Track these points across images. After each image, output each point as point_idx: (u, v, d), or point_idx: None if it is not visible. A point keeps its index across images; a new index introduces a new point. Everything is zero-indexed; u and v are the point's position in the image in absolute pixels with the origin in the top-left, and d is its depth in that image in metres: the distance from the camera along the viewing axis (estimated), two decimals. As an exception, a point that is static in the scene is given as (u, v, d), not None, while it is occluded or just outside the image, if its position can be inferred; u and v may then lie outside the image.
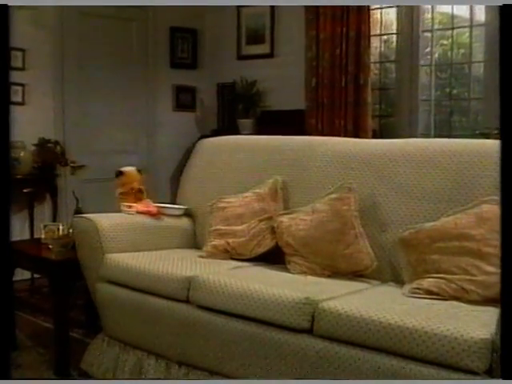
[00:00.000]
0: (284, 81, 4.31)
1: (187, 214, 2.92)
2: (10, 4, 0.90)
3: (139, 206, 2.73)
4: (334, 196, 2.33)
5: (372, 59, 3.97)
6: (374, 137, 3.92)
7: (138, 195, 2.80)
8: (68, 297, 2.65)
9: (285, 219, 2.43)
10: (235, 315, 2.02)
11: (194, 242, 2.86)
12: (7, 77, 0.94)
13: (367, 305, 1.79)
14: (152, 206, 2.77)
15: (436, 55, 3.90)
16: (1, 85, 0.92)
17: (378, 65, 4.15)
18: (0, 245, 0.89)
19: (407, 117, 3.94)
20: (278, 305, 1.90)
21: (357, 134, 3.86)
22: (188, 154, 4.22)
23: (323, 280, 2.18)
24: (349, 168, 2.45)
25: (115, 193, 2.83)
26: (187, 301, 2.19)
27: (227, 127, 4.50)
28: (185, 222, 2.88)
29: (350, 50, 3.89)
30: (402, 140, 2.50)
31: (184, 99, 4.69)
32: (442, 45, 3.89)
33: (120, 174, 2.82)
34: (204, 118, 4.78)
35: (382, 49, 4.13)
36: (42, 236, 2.92)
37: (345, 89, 3.93)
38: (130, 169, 2.86)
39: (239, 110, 4.44)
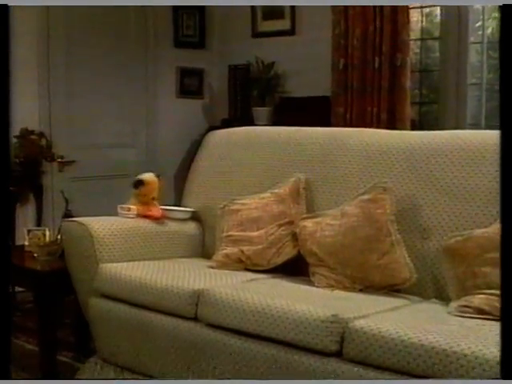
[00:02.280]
0: (307, 62, 4.33)
1: (194, 217, 2.96)
2: (10, 4, 1.02)
3: (140, 209, 2.78)
4: (366, 197, 2.35)
5: (411, 36, 3.98)
6: (414, 128, 3.92)
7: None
8: (55, 314, 2.70)
9: (308, 224, 2.46)
10: (251, 335, 2.05)
11: (202, 251, 2.91)
12: (7, 77, 1.04)
13: (406, 325, 1.81)
14: (157, 209, 2.81)
15: (488, 31, 3.88)
16: (1, 85, 1.04)
17: (418, 42, 4.15)
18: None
19: (453, 104, 3.94)
20: (301, 324, 1.93)
21: (393, 124, 3.87)
22: (195, 148, 4.25)
23: (353, 295, 2.20)
24: (383, 165, 2.48)
25: (129, 203, 2.82)
26: (195, 318, 2.22)
27: (240, 117, 4.53)
28: (192, 227, 2.92)
29: (385, 26, 3.90)
30: (446, 132, 2.51)
31: (190, 84, 4.72)
32: (495, 18, 3.87)
33: (140, 183, 2.83)
34: (213, 106, 4.82)
35: (424, 23, 4.14)
36: (26, 243, 2.98)
37: (378, 71, 3.94)
38: (150, 176, 2.88)
39: (254, 96, 4.46)
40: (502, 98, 1.00)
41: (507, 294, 1.01)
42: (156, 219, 2.80)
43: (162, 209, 2.87)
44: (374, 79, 3.95)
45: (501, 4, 1.00)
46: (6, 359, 1.02)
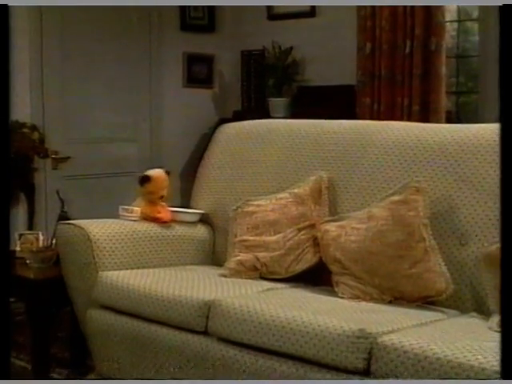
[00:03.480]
0: (329, 47, 4.35)
1: (204, 220, 2.99)
2: (10, 4, 1.11)
3: (147, 210, 2.80)
4: (396, 198, 2.36)
5: (447, 17, 3.98)
6: (450, 120, 3.92)
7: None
8: (49, 327, 2.74)
9: (331, 228, 2.47)
10: (267, 351, 2.08)
11: (212, 257, 2.94)
12: (7, 77, 1.11)
13: (441, 341, 1.82)
14: (165, 211, 2.84)
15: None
16: (1, 86, 1.10)
17: (455, 24, 4.15)
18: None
19: (494, 93, 3.93)
20: (324, 338, 1.95)
21: (426, 116, 3.87)
22: (204, 143, 4.28)
23: (382, 307, 2.22)
24: (416, 162, 2.49)
25: (135, 205, 2.85)
26: (205, 332, 2.25)
27: (254, 108, 4.56)
28: (201, 230, 2.95)
29: (418, 6, 3.90)
30: (486, 125, 2.51)
31: (198, 72, 4.74)
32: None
33: (146, 179, 2.85)
34: (224, 97, 4.84)
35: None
36: (17, 248, 3.01)
37: (410, 57, 3.94)
38: (158, 172, 2.90)
39: (270, 85, 4.49)
40: (502, 100, 1.08)
41: (507, 294, 1.07)
42: (164, 223, 2.83)
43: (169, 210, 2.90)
44: (405, 66, 3.96)
45: (501, 4, 1.07)
46: (6, 359, 1.10)
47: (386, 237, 2.31)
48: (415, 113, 3.90)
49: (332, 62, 4.31)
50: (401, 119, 3.77)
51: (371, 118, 3.88)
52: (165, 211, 2.86)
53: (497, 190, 2.28)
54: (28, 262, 2.83)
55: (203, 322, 2.25)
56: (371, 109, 4.05)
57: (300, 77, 4.46)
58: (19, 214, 4.12)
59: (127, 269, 2.63)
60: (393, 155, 2.56)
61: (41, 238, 3.00)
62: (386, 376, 1.86)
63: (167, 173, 2.94)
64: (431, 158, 2.46)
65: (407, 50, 3.95)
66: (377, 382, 1.86)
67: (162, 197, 2.87)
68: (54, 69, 4.19)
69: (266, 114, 4.26)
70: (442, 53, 3.88)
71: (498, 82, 1.07)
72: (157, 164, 4.43)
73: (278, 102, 4.41)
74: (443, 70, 3.90)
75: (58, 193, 3.15)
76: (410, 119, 3.79)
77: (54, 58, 4.18)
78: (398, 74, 3.98)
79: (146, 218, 2.81)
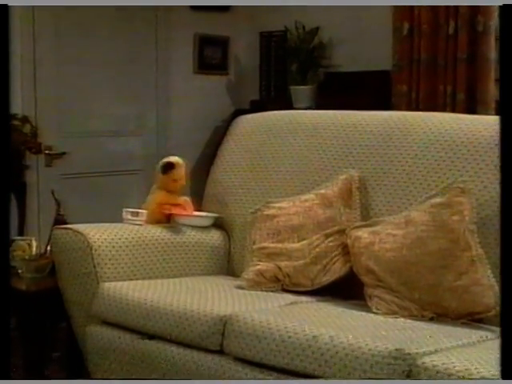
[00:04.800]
0: (360, 28, 4.34)
1: (218, 224, 3.01)
2: (10, 4, 1.23)
3: (165, 199, 2.85)
4: (438, 200, 2.37)
5: (496, -6, 3.97)
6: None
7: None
8: (44, 345, 2.77)
9: (364, 234, 2.49)
10: (290, 372, 2.09)
11: (228, 267, 2.96)
12: (7, 77, 1.20)
13: (490, 363, 1.83)
14: (189, 205, 2.92)
15: None
16: (1, 87, 1.19)
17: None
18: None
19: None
20: (356, 360, 1.96)
21: (472, 106, 3.86)
22: (217, 137, 4.28)
23: (422, 325, 2.23)
24: (461, 159, 2.49)
25: (151, 195, 2.93)
26: (220, 351, 2.27)
27: (275, 98, 4.57)
28: (215, 236, 2.97)
29: (463, -19, 3.90)
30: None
31: (211, 56, 4.76)
32: None
33: (171, 166, 2.92)
34: (240, 85, 4.86)
35: (513, -23, 4.12)
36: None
37: (454, 38, 3.93)
38: (178, 159, 2.99)
39: (293, 71, 4.49)
40: (502, 101, 1.19)
41: (507, 294, 1.15)
42: (185, 216, 2.89)
43: (176, 214, 2.93)
44: (448, 49, 3.95)
45: (501, 4, 1.18)
46: (6, 359, 1.21)
47: (427, 245, 2.32)
48: (460, 102, 3.89)
49: (364, 45, 4.31)
50: (443, 110, 3.76)
51: (409, 109, 3.88)
52: (186, 202, 2.93)
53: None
54: (20, 271, 2.86)
55: (218, 339, 2.27)
56: (409, 98, 4.05)
57: (327, 61, 4.47)
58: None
59: (132, 279, 2.66)
60: (434, 151, 2.57)
61: (34, 244, 3.03)
62: (426, 402, 1.87)
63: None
64: (478, 155, 2.46)
65: (450, 31, 3.94)
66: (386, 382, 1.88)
67: (182, 185, 2.94)
68: (48, 53, 4.17)
69: (288, 105, 4.27)
70: (490, 34, 3.87)
71: (499, 81, 1.16)
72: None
73: (301, 91, 4.42)
74: (492, 53, 3.88)
75: (53, 193, 3.17)
76: (453, 110, 3.78)
77: (47, 41, 4.16)
78: (439, 57, 3.98)
79: (164, 208, 2.86)
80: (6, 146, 1.18)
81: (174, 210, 2.90)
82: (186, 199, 2.96)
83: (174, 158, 2.97)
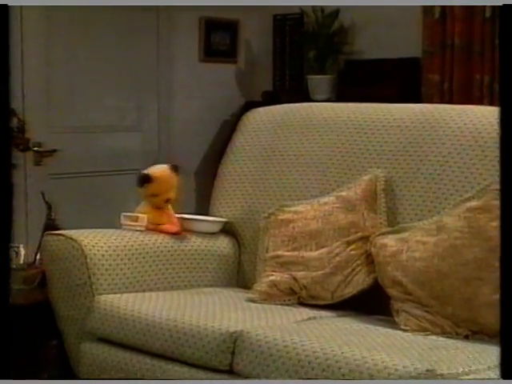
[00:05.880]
0: (386, 10, 4.34)
1: (227, 230, 3.01)
2: (10, 4, 1.30)
3: (150, 217, 2.84)
4: (474, 204, 2.37)
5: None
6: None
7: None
8: (33, 364, 2.78)
9: (390, 241, 2.48)
10: (309, 397, 2.10)
11: (238, 277, 2.96)
12: (7, 77, 1.26)
13: (532, 386, 1.83)
14: (172, 219, 2.88)
15: None
16: (1, 88, 1.25)
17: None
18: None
19: None
20: (383, 382, 1.96)
21: (512, 98, 3.85)
22: (226, 132, 4.29)
23: (456, 343, 2.22)
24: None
25: (139, 210, 2.90)
26: (230, 371, 2.27)
27: (290, 89, 4.56)
28: (223, 243, 2.97)
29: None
30: None
31: (218, 42, 4.74)
32: None
33: (146, 179, 2.89)
34: (252, 74, 4.85)
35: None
36: (-8, 265, 3.06)
37: (491, 22, 3.92)
38: (160, 169, 2.94)
39: (310, 59, 4.49)
40: (502, 102, 1.24)
41: (507, 293, 1.20)
42: (172, 234, 2.86)
43: (180, 218, 2.94)
44: (485, 33, 3.94)
45: (501, 4, 1.23)
46: (6, 359, 1.26)
47: (461, 254, 2.32)
48: (498, 94, 3.89)
49: (390, 29, 4.30)
50: (479, 102, 3.75)
51: (441, 101, 3.87)
52: (171, 219, 2.89)
53: None
54: (6, 282, 2.88)
55: (227, 358, 2.27)
56: (441, 88, 4.04)
57: (348, 48, 4.46)
58: (-7, 221, 4.16)
59: (131, 292, 2.66)
60: (469, 149, 2.57)
61: (22, 252, 3.04)
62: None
63: (174, 169, 2.95)
64: (520, 153, 2.46)
65: (488, 14, 3.93)
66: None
67: (167, 200, 2.89)
68: (37, 38, 4.15)
69: (305, 96, 4.27)
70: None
71: (499, 81, 1.21)
72: (166, 159, 4.42)
73: (319, 81, 4.41)
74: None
75: (43, 195, 3.18)
76: (491, 102, 3.77)
77: (35, 26, 4.14)
78: (475, 43, 3.96)
79: (150, 227, 2.85)
80: (6, 146, 1.22)
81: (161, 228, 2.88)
82: (168, 209, 2.91)
83: (154, 169, 2.93)
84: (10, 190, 4.01)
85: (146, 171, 2.93)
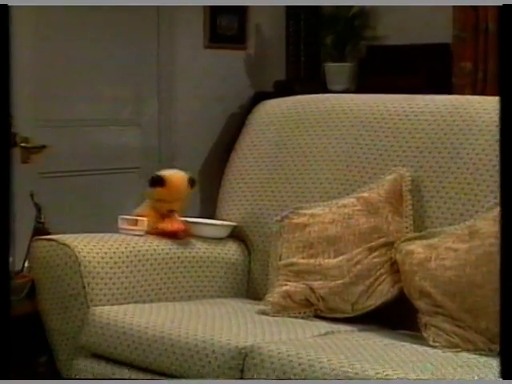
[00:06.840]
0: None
1: (235, 235, 3.02)
2: (10, 4, 1.40)
3: (151, 218, 2.85)
4: (510, 206, 2.37)
5: None
6: None
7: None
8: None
9: (417, 248, 2.48)
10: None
11: (248, 287, 2.96)
12: (8, 77, 1.32)
13: None
14: (177, 221, 2.89)
15: None
16: (1, 89, 1.32)
17: None
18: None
19: None
20: (409, 404, 1.97)
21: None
22: (233, 127, 4.29)
23: (490, 361, 2.21)
24: (539, 154, 2.49)
25: (139, 209, 2.91)
26: (241, 389, 2.28)
27: (305, 78, 4.58)
28: (231, 250, 2.97)
29: None
30: None
31: (226, 27, 4.75)
32: None
33: (159, 182, 2.89)
34: (262, 62, 4.85)
35: None
36: (-24, 273, 3.08)
37: (528, 5, 3.92)
38: (177, 175, 2.95)
39: (328, 45, 4.51)
40: (502, 103, 1.30)
41: (507, 293, 1.26)
42: (174, 236, 2.87)
43: (183, 222, 2.94)
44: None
45: (501, 4, 1.30)
46: (6, 359, 1.33)
47: (496, 262, 2.30)
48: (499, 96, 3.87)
49: (417, 12, 4.30)
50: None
51: (474, 92, 3.87)
52: (176, 221, 2.89)
53: None
54: (-9, 292, 2.89)
55: (237, 375, 2.27)
56: (474, 78, 4.04)
57: (370, 32, 4.47)
58: (-24, 225, 4.17)
59: (130, 303, 2.66)
60: (505, 145, 2.57)
61: (9, 259, 3.06)
62: None
63: (191, 182, 2.96)
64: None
65: (525, -5, 3.92)
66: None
67: (172, 211, 2.90)
68: (24, 27, 4.11)
69: (322, 86, 4.28)
70: None
71: (499, 81, 1.30)
72: (167, 157, 4.46)
73: (338, 69, 4.43)
74: None
75: (31, 196, 3.19)
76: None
77: (24, 14, 4.06)
78: None
79: (150, 231, 2.86)
80: (5, 147, 1.25)
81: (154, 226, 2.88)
82: (172, 215, 2.91)
83: (170, 173, 2.95)
84: (8, 199, 4.02)
85: (161, 173, 2.94)
